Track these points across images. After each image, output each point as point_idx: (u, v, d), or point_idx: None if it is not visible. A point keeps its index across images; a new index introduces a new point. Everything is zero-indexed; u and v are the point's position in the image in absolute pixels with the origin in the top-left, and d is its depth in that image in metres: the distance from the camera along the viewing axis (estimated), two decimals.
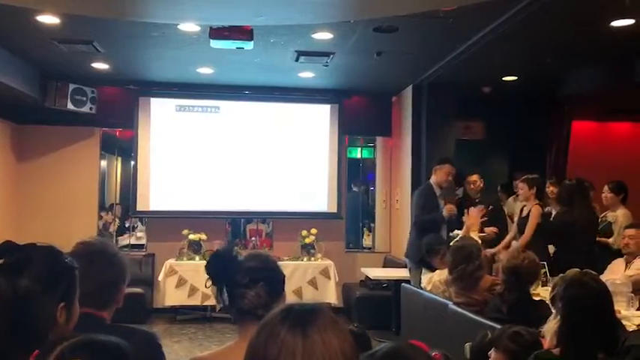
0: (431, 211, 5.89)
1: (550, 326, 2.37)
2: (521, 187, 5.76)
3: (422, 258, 5.20)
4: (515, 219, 5.90)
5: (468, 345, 2.88)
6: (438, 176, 5.99)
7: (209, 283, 1.82)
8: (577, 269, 2.50)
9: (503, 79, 6.72)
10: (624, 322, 3.24)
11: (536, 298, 3.74)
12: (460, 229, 5.37)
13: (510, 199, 7.06)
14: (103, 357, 1.19)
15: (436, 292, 4.62)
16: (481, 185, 6.41)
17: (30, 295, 1.43)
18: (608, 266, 4.78)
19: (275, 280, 1.84)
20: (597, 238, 5.58)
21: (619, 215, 5.70)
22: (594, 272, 2.49)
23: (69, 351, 1.16)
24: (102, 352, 1.20)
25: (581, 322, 2.22)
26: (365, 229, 8.83)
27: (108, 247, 1.95)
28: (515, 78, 6.69)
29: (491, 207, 6.08)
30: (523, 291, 3.49)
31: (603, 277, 4.42)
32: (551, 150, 7.83)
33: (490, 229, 5.79)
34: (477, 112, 7.56)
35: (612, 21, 4.71)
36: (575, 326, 2.23)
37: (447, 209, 5.84)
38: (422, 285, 5.00)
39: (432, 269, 4.91)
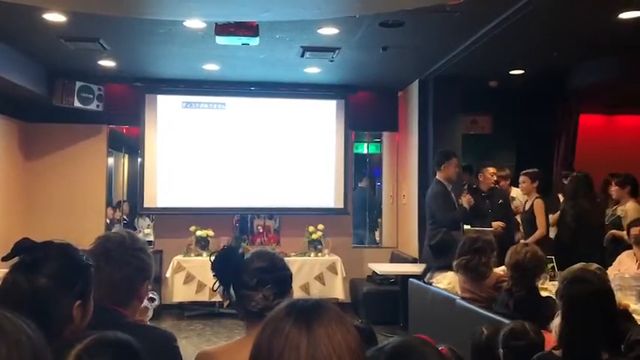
0: (451, 210, 5.62)
1: (556, 322, 2.35)
2: (524, 181, 5.75)
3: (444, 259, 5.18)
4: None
5: None
6: (448, 171, 5.70)
7: (217, 285, 1.77)
8: (581, 264, 2.46)
9: (510, 72, 6.68)
10: (635, 317, 3.21)
11: (544, 293, 3.73)
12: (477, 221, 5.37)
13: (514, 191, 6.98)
14: (116, 356, 1.17)
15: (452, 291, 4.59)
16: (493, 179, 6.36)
17: (47, 292, 1.43)
18: (618, 258, 4.76)
19: (282, 279, 1.78)
20: (612, 231, 5.56)
21: (629, 209, 5.66)
22: (597, 265, 2.44)
23: (86, 354, 1.14)
24: (112, 349, 1.18)
25: (582, 322, 2.14)
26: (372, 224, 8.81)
27: (126, 240, 1.83)
28: (523, 72, 6.65)
29: (501, 201, 6.06)
30: (530, 286, 3.47)
31: (612, 270, 4.42)
32: (559, 144, 7.79)
33: (497, 224, 5.77)
34: (483, 106, 7.54)
35: (620, 13, 4.66)
36: (576, 326, 2.14)
37: (467, 200, 5.62)
38: (439, 286, 4.99)
39: (447, 269, 4.89)
